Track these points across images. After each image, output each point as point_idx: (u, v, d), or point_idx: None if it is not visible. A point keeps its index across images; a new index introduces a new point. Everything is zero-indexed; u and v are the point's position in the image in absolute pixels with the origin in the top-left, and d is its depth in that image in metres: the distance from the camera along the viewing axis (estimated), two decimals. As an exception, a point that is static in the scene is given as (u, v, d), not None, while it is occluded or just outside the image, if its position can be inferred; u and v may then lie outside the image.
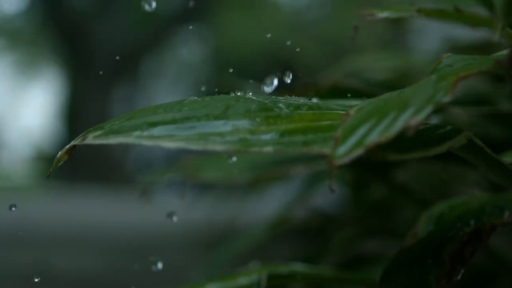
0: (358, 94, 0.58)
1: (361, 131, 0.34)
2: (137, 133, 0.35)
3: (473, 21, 0.49)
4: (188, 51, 7.26)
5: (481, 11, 0.51)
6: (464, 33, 0.60)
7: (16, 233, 2.14)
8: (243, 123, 0.36)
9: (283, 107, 0.38)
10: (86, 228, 2.30)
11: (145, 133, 0.35)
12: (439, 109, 0.59)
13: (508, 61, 0.41)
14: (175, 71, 7.81)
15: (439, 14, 0.48)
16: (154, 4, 0.60)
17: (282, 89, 0.65)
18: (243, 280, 0.52)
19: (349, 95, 0.51)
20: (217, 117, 0.36)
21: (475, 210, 0.44)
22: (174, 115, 0.36)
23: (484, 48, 0.69)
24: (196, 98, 0.39)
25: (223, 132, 0.35)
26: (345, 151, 0.33)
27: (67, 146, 0.37)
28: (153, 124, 0.35)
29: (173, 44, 7.09)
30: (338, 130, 0.35)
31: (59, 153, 0.37)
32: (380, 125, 0.34)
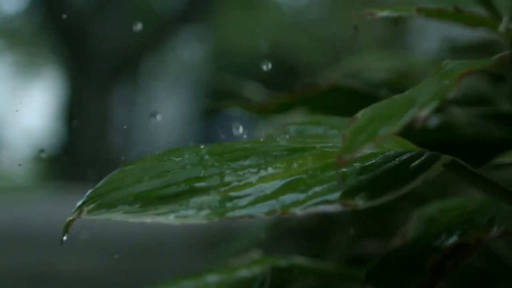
0: (358, 94, 0.58)
1: (369, 128, 0.34)
2: (124, 207, 0.40)
3: (473, 21, 0.49)
4: (188, 51, 7.26)
5: (481, 11, 0.51)
6: (464, 33, 0.60)
7: (16, 233, 2.14)
8: (220, 188, 0.39)
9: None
10: (86, 228, 2.29)
11: (131, 208, 0.40)
12: (439, 109, 0.59)
13: (511, 57, 0.41)
14: (175, 71, 7.81)
15: (439, 14, 0.48)
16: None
17: (282, 89, 0.65)
18: (243, 272, 0.52)
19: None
20: (196, 180, 0.39)
21: (464, 220, 0.44)
22: (156, 184, 0.40)
23: (483, 48, 0.69)
24: (180, 152, 0.42)
25: (200, 201, 0.38)
26: (354, 146, 0.33)
27: (67, 219, 0.41)
28: (137, 197, 0.39)
29: (173, 44, 7.08)
30: (345, 131, 0.35)
31: (66, 222, 0.41)
32: (388, 122, 0.34)
